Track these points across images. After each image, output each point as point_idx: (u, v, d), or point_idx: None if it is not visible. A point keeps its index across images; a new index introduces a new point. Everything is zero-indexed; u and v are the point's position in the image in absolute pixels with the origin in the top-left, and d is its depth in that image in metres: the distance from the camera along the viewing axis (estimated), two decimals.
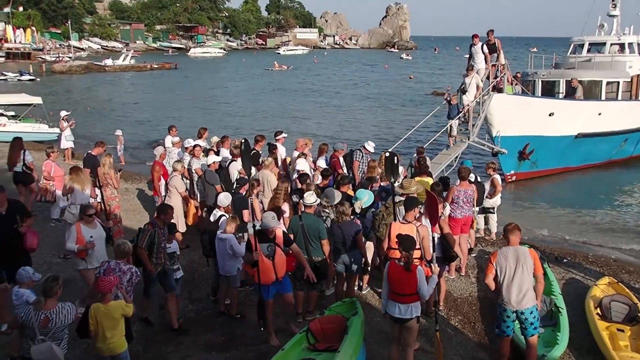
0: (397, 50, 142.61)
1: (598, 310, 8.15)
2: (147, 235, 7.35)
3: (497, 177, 11.47)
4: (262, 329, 7.34)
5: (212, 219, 8.71)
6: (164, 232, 7.58)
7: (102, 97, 43.29)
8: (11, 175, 12.30)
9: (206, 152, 12.11)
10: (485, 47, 16.21)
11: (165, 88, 51.00)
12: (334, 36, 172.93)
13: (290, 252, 7.31)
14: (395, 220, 7.62)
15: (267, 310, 7.33)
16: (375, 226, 8.30)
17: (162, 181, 11.47)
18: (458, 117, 16.11)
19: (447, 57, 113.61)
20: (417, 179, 10.05)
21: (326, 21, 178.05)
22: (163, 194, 11.38)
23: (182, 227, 10.54)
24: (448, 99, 16.89)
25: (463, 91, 16.17)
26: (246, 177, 9.41)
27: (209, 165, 10.97)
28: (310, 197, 8.09)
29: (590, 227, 14.26)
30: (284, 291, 7.41)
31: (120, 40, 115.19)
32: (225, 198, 8.74)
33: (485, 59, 16.28)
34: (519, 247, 6.69)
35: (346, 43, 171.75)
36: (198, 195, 11.33)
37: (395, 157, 10.07)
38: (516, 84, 18.64)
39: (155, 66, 73.28)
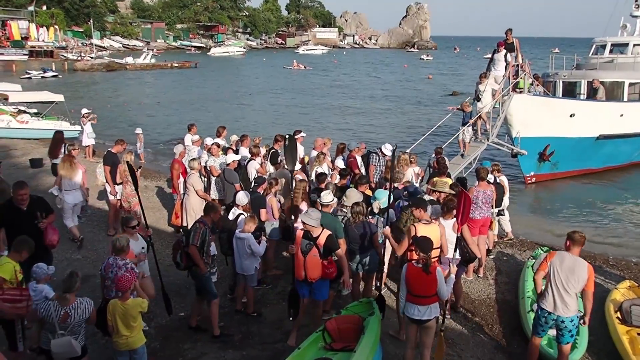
0: (417, 50, 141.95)
1: (618, 314, 8.05)
2: (199, 233, 7.25)
3: (504, 179, 11.29)
4: (290, 318, 7.42)
5: (230, 217, 8.77)
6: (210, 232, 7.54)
7: (123, 95, 43.77)
8: (33, 171, 12.56)
9: (225, 150, 12.22)
10: (509, 55, 16.04)
11: (185, 87, 51.43)
12: (353, 36, 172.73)
13: (335, 258, 7.18)
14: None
15: (300, 307, 7.34)
16: (403, 221, 8.15)
17: (181, 179, 11.58)
18: (469, 125, 15.99)
19: (468, 57, 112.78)
20: (436, 179, 10.01)
21: (346, 20, 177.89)
22: (182, 192, 11.50)
23: None
24: (460, 107, 16.80)
25: (477, 98, 16.04)
26: (264, 176, 9.47)
27: (228, 164, 11.05)
28: (328, 196, 8.10)
29: (611, 230, 14.06)
30: (315, 297, 7.27)
31: (141, 39, 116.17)
32: (243, 197, 8.78)
33: (506, 67, 16.10)
34: (578, 258, 6.53)
35: (366, 43, 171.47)
36: (217, 194, 11.42)
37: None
38: (537, 85, 18.48)
39: (176, 65, 73.82)
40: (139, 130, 19.85)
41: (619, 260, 11.54)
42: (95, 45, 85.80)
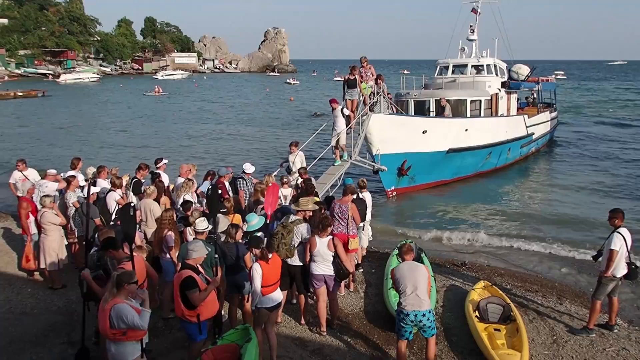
0: (278, 74, 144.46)
1: (476, 313, 8.71)
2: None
3: (367, 195, 11.38)
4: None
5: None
6: None
7: None
8: None
9: (72, 179, 11.42)
10: (345, 109, 16.26)
11: (33, 117, 47.38)
12: (213, 60, 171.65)
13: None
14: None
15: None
16: (275, 246, 8.24)
17: (32, 218, 10.63)
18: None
19: (327, 79, 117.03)
20: (300, 199, 10.14)
21: (205, 45, 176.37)
22: (33, 231, 10.55)
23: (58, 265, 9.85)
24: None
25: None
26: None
27: (86, 198, 10.35)
28: (202, 223, 8.00)
29: (464, 235, 15.19)
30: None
31: None
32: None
33: (348, 118, 16.49)
34: (413, 262, 7.47)
35: (226, 67, 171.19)
36: (76, 230, 10.65)
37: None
38: (391, 104, 19.64)
39: (20, 94, 67.79)
40: None
41: (473, 263, 12.54)
42: None
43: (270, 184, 10.78)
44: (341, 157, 16.69)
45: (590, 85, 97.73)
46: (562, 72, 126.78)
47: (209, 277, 7.06)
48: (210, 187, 8.68)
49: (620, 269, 8.37)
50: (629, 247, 8.33)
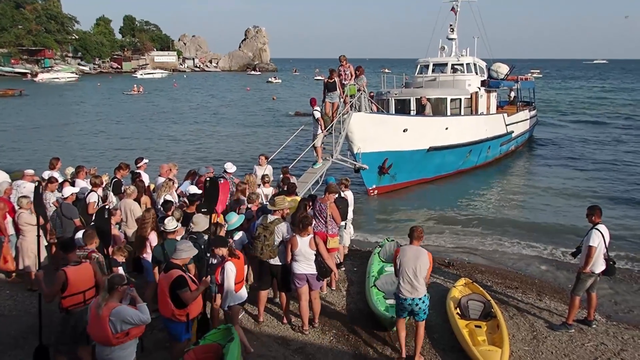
0: (259, 73, 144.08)
1: (458, 310, 8.78)
2: None
3: (349, 193, 11.38)
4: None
5: None
6: None
7: None
8: None
9: (60, 184, 11.28)
10: (315, 112, 16.08)
11: (9, 117, 46.58)
12: (193, 59, 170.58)
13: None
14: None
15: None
16: (258, 249, 8.25)
17: (9, 218, 10.44)
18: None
19: (307, 78, 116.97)
20: (276, 198, 10.11)
21: (185, 44, 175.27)
22: (11, 232, 10.36)
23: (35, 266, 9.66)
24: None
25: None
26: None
27: (65, 198, 10.21)
28: (171, 223, 8.07)
29: (446, 233, 15.33)
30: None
31: None
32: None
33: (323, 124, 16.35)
34: (419, 248, 7.59)
35: (206, 66, 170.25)
36: (56, 231, 10.48)
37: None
38: (372, 103, 19.70)
39: None
40: None
41: (455, 260, 12.63)
42: None
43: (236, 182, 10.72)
44: (315, 163, 16.69)
45: (566, 84, 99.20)
46: (539, 71, 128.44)
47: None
48: (209, 180, 8.59)
49: (598, 265, 8.49)
50: (607, 244, 8.46)
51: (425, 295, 7.50)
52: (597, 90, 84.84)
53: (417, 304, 7.45)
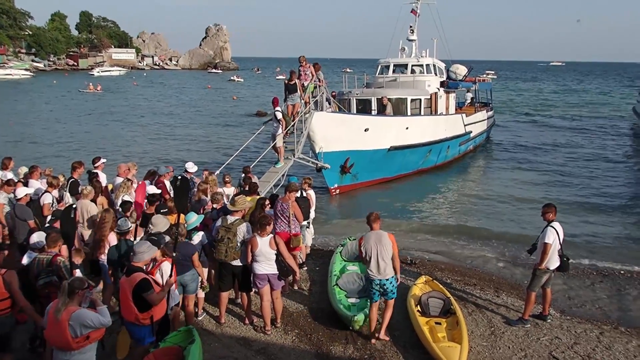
0: (220, 71, 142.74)
1: (418, 307, 8.89)
2: None
3: (311, 192, 11.43)
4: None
5: (25, 261, 7.53)
6: None
7: None
8: None
9: (13, 184, 10.88)
10: (277, 113, 16.09)
11: None
12: (152, 57, 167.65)
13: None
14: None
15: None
16: (223, 252, 8.14)
17: None
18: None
19: (268, 77, 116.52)
20: (248, 198, 10.06)
21: (144, 41, 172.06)
22: None
23: None
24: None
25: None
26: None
27: (18, 199, 9.85)
28: (125, 223, 8.10)
29: (407, 231, 15.50)
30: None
31: None
32: (39, 238, 7.73)
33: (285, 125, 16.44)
34: (380, 231, 8.07)
35: (166, 64, 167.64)
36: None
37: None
38: (333, 102, 19.78)
39: None
40: None
41: (415, 258, 12.78)
42: None
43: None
44: (277, 162, 16.69)
45: (520, 85, 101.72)
46: (493, 72, 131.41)
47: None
48: (179, 178, 8.42)
49: (553, 261, 8.74)
50: (561, 241, 8.70)
51: (392, 277, 7.98)
52: (547, 91, 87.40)
53: (384, 285, 7.94)
